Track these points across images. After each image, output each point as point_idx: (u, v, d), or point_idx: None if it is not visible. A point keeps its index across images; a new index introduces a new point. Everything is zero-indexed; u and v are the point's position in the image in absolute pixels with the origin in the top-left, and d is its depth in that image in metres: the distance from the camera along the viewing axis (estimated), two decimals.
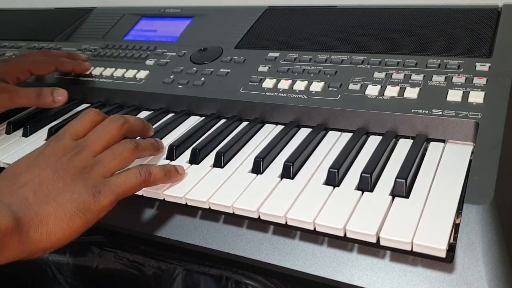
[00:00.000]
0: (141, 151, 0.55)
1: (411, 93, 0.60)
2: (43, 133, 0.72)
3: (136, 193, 0.52)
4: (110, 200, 0.48)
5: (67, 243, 0.46)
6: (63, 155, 0.50)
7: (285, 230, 0.49)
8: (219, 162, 0.57)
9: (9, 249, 0.43)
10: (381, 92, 0.61)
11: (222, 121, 0.69)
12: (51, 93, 0.73)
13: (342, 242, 0.46)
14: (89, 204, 0.47)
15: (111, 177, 0.49)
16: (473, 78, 0.60)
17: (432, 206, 0.45)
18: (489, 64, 0.61)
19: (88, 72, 0.82)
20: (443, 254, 0.41)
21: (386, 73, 0.64)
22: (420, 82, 0.61)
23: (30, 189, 0.47)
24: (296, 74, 0.69)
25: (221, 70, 0.73)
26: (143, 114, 0.75)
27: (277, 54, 0.73)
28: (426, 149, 0.56)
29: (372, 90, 0.62)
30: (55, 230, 0.45)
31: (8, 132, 0.74)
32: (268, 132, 0.65)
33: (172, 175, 0.53)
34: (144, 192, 0.54)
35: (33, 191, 0.46)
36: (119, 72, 0.80)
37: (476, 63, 0.62)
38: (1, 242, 0.42)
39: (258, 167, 0.55)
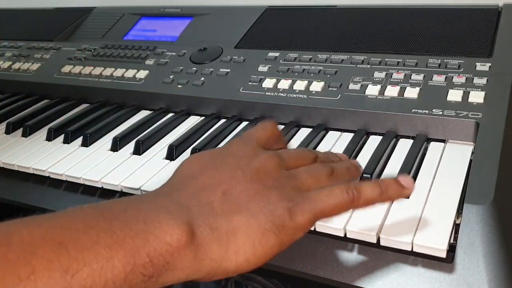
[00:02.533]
0: (337, 178, 0.43)
1: (411, 93, 0.60)
2: (43, 133, 0.72)
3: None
4: (308, 219, 0.37)
5: (253, 269, 0.36)
6: (254, 156, 0.41)
7: None
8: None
9: (182, 267, 0.33)
10: (381, 92, 0.61)
11: (222, 121, 0.69)
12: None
13: (342, 242, 0.46)
14: (284, 220, 0.36)
15: (310, 192, 0.39)
16: (473, 78, 0.60)
17: (432, 206, 0.45)
18: (489, 64, 0.61)
19: (88, 72, 0.82)
20: (443, 254, 0.41)
21: (386, 73, 0.64)
22: (420, 82, 0.61)
23: (216, 192, 0.37)
24: (296, 74, 0.68)
25: (221, 70, 0.73)
26: (143, 114, 0.75)
27: (277, 54, 0.73)
28: (426, 149, 0.56)
29: (372, 90, 0.62)
30: (245, 247, 0.35)
31: (8, 132, 0.74)
32: None
33: (391, 193, 0.40)
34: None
35: (221, 194, 0.37)
36: (119, 72, 0.80)
37: (476, 63, 0.62)
38: (171, 259, 0.32)
39: None
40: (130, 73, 0.79)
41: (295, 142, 0.60)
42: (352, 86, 0.63)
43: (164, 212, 0.34)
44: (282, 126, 0.65)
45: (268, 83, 0.68)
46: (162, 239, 0.32)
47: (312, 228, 0.46)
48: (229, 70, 0.73)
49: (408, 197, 0.45)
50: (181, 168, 0.41)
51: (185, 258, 0.33)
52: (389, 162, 0.54)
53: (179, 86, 0.73)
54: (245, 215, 0.36)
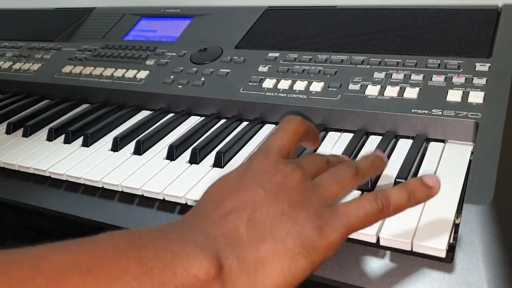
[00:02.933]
0: (363, 177, 0.42)
1: (411, 93, 0.60)
2: (43, 133, 0.72)
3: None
4: (340, 235, 0.36)
5: None
6: (276, 172, 0.39)
7: None
8: (219, 162, 0.57)
9: None
10: (381, 92, 0.61)
11: (222, 121, 0.69)
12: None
13: None
14: (315, 241, 0.35)
15: (338, 206, 0.38)
16: (473, 78, 0.60)
17: (432, 206, 0.45)
18: (489, 64, 0.61)
19: (88, 72, 0.82)
20: (443, 254, 0.41)
21: (386, 73, 0.64)
22: (420, 82, 0.61)
23: (241, 217, 0.36)
24: (296, 74, 0.69)
25: (221, 70, 0.74)
26: (144, 114, 0.75)
27: (277, 54, 0.73)
28: (426, 149, 0.56)
29: (372, 90, 0.62)
30: (273, 275, 0.34)
31: (8, 132, 0.74)
32: (268, 132, 0.65)
33: (420, 195, 0.39)
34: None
35: (246, 220, 0.36)
36: (119, 72, 0.80)
37: (476, 63, 0.62)
38: None
39: None
40: (130, 73, 0.79)
41: None
42: (352, 87, 0.64)
43: (191, 244, 0.34)
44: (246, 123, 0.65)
45: (268, 83, 0.68)
46: (190, 272, 0.32)
47: None
48: (229, 70, 0.73)
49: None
50: (208, 192, 0.40)
51: None
52: (389, 162, 0.54)
53: (180, 86, 0.73)
54: (271, 241, 0.35)
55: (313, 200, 0.38)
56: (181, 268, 0.32)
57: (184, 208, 0.53)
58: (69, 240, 0.33)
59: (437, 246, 0.41)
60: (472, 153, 0.53)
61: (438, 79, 0.61)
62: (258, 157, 0.41)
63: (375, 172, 0.46)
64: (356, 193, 0.49)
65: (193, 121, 0.71)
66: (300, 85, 0.66)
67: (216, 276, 0.32)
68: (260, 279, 0.34)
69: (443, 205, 0.45)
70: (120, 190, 0.57)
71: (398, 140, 0.58)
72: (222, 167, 0.57)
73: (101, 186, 0.58)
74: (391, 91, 0.61)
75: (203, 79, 0.73)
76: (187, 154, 0.61)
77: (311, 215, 0.36)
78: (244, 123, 0.68)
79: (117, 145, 0.65)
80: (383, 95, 0.61)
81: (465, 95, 0.58)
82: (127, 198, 0.57)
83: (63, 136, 0.70)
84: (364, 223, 0.38)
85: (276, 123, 0.66)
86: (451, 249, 0.42)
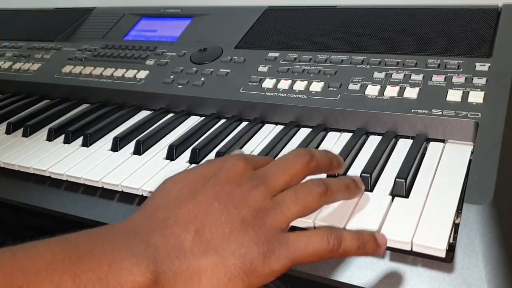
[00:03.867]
0: (331, 196, 0.42)
1: (411, 93, 0.60)
2: (43, 133, 0.72)
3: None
4: (283, 265, 0.36)
5: None
6: (238, 186, 0.39)
7: None
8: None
9: None
10: (381, 92, 0.61)
11: (222, 121, 0.69)
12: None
13: None
14: (256, 266, 0.35)
15: (289, 235, 0.38)
16: (473, 78, 0.60)
17: (432, 206, 0.45)
18: (489, 64, 0.61)
19: (88, 72, 0.82)
20: (442, 254, 0.41)
21: (386, 73, 0.64)
22: (420, 82, 0.61)
23: (189, 229, 0.36)
24: (296, 74, 0.69)
25: (221, 70, 0.74)
26: (143, 114, 0.75)
27: (277, 54, 0.73)
28: (426, 149, 0.56)
29: (372, 90, 0.62)
30: None
31: (8, 132, 0.74)
32: (268, 132, 0.65)
33: (368, 248, 0.40)
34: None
35: (193, 233, 0.36)
36: (119, 72, 0.80)
37: (476, 63, 0.62)
38: None
39: None
40: (130, 73, 0.79)
41: (295, 142, 0.60)
42: (351, 86, 0.63)
43: (129, 256, 0.34)
44: (280, 126, 0.65)
45: (268, 83, 0.68)
46: (123, 286, 0.32)
47: (312, 228, 0.46)
48: (229, 70, 0.73)
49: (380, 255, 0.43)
50: (161, 191, 0.40)
51: None
52: (388, 162, 0.54)
53: (179, 86, 0.73)
54: (213, 258, 0.35)
55: (266, 222, 0.37)
56: (114, 282, 0.32)
57: None
58: (3, 250, 0.33)
59: (437, 246, 0.41)
60: (472, 153, 0.53)
61: (438, 79, 0.61)
62: (227, 163, 0.41)
63: (348, 197, 0.45)
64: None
65: (193, 121, 0.71)
66: (300, 85, 0.66)
67: (151, 286, 0.33)
68: None
69: (443, 205, 0.45)
70: (120, 190, 0.57)
71: (398, 140, 0.58)
72: None
73: (101, 186, 0.58)
74: (391, 91, 0.61)
75: (203, 79, 0.73)
76: (187, 154, 0.61)
77: (260, 239, 0.36)
78: (244, 123, 0.68)
79: (117, 145, 0.65)
80: (383, 95, 0.61)
81: (465, 95, 0.57)
82: (127, 198, 0.57)
83: (63, 136, 0.70)
84: (310, 258, 0.38)
85: (276, 123, 0.66)
86: (451, 249, 0.42)
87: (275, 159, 0.44)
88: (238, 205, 0.38)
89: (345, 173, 0.53)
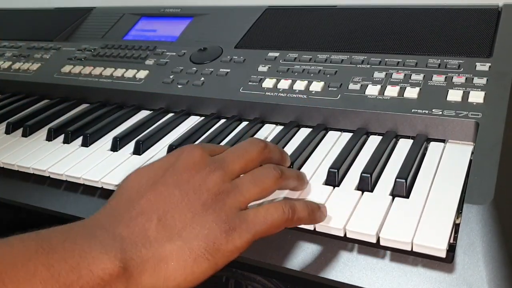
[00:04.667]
0: (285, 181, 0.45)
1: (411, 93, 0.60)
2: (43, 133, 0.72)
3: None
4: (246, 240, 0.39)
5: None
6: (196, 172, 0.41)
7: (285, 230, 0.49)
8: None
9: None
10: (381, 92, 0.61)
11: (222, 121, 0.69)
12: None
13: (342, 242, 0.46)
14: (220, 244, 0.37)
15: (248, 211, 0.40)
16: (473, 78, 0.60)
17: (432, 206, 0.45)
18: (489, 64, 0.61)
19: (88, 72, 0.82)
20: (443, 254, 0.41)
21: (386, 73, 0.64)
22: (420, 82, 0.61)
23: (152, 218, 0.38)
24: (296, 74, 0.68)
25: (221, 70, 0.73)
26: (143, 114, 0.75)
27: (277, 54, 0.73)
28: (426, 149, 0.56)
29: (372, 90, 0.62)
30: (176, 275, 0.36)
31: (8, 132, 0.74)
32: (268, 132, 0.65)
33: (316, 215, 0.44)
34: None
35: (156, 221, 0.38)
36: (118, 72, 0.80)
37: (476, 63, 0.62)
38: None
39: None
40: (130, 73, 0.79)
41: (295, 142, 0.60)
42: (352, 86, 0.63)
43: (98, 246, 0.35)
44: (280, 126, 0.65)
45: (268, 83, 0.68)
46: (95, 273, 0.34)
47: (312, 228, 0.46)
48: (229, 70, 0.73)
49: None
50: (124, 186, 0.41)
51: None
52: (389, 162, 0.54)
53: (179, 86, 0.73)
54: (177, 243, 0.37)
55: (226, 203, 0.40)
56: (86, 270, 0.34)
57: None
58: None
59: (438, 246, 0.40)
60: (472, 153, 0.53)
61: (438, 79, 0.61)
62: (184, 153, 0.43)
63: (298, 185, 0.49)
64: (355, 193, 0.49)
65: (192, 121, 0.71)
66: (300, 85, 0.66)
67: (120, 276, 0.34)
68: (162, 277, 0.36)
69: (444, 205, 0.45)
70: None
71: (398, 140, 0.58)
72: None
73: (100, 186, 0.58)
74: (391, 91, 0.61)
75: (202, 79, 0.73)
76: None
77: (221, 219, 0.38)
78: (244, 123, 0.67)
79: (116, 145, 0.65)
80: (383, 95, 0.61)
81: (465, 95, 0.57)
82: None
83: (62, 136, 0.69)
84: (269, 230, 0.40)
85: (276, 123, 0.66)
86: (451, 249, 0.42)
87: (232, 146, 0.46)
88: (197, 190, 0.40)
89: (345, 173, 0.53)
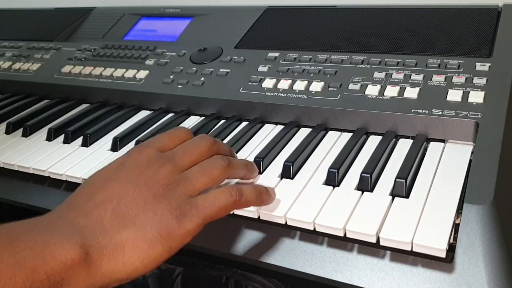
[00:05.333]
0: (234, 169, 0.48)
1: (411, 93, 0.60)
2: (43, 133, 0.72)
3: None
4: (196, 224, 0.41)
5: (145, 273, 0.40)
6: (146, 167, 0.44)
7: (285, 230, 0.49)
8: None
9: (75, 283, 0.37)
10: (381, 92, 0.61)
11: (222, 121, 0.69)
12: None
13: (342, 242, 0.46)
14: (173, 229, 0.40)
15: (197, 197, 0.43)
16: (473, 78, 0.60)
17: (432, 206, 0.45)
18: (489, 64, 0.61)
19: (88, 72, 0.82)
20: (443, 254, 0.41)
21: (386, 73, 0.64)
22: (420, 82, 0.61)
23: (107, 208, 0.41)
24: (296, 74, 0.68)
25: (221, 70, 0.73)
26: (143, 114, 0.75)
27: (277, 54, 0.73)
28: (426, 149, 0.56)
29: (372, 90, 0.62)
30: (132, 259, 0.39)
31: (8, 132, 0.74)
32: (268, 132, 0.65)
33: (264, 197, 0.47)
34: None
35: (111, 212, 0.41)
36: (119, 72, 0.80)
37: (476, 63, 0.62)
38: (66, 276, 0.36)
39: (258, 167, 0.55)
40: (130, 73, 0.79)
41: (295, 142, 0.60)
42: (352, 86, 0.63)
43: (59, 235, 0.38)
44: (280, 126, 0.65)
45: (268, 83, 0.68)
46: (58, 259, 0.36)
47: (312, 228, 0.46)
48: (229, 70, 0.73)
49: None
50: (82, 185, 0.45)
51: (78, 275, 0.37)
52: (389, 162, 0.54)
53: (179, 86, 0.73)
54: (132, 229, 0.40)
55: (176, 192, 0.43)
56: (50, 256, 0.36)
57: None
58: None
59: (437, 246, 0.40)
60: (472, 153, 0.53)
61: (438, 79, 0.61)
62: (134, 151, 0.46)
63: (246, 173, 0.51)
64: (355, 193, 0.49)
65: (192, 121, 0.71)
66: (300, 85, 0.66)
67: (81, 261, 0.37)
68: (120, 262, 0.39)
69: (443, 205, 0.45)
70: None
71: (398, 140, 0.58)
72: None
73: None
74: (391, 91, 0.61)
75: (202, 79, 0.73)
76: None
77: (172, 206, 0.41)
78: (244, 123, 0.67)
79: (116, 145, 0.65)
80: (383, 95, 0.61)
81: (465, 95, 0.57)
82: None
83: (62, 136, 0.69)
84: (218, 213, 0.43)
85: (276, 123, 0.66)
86: (451, 249, 0.42)
87: (183, 143, 0.49)
88: (148, 182, 0.43)
89: (345, 173, 0.53)
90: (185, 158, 0.46)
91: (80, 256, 0.37)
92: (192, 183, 0.44)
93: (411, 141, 0.57)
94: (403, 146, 0.56)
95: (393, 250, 0.44)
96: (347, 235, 0.44)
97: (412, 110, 0.58)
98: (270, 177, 0.54)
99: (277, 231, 0.49)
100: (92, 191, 0.43)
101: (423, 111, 0.57)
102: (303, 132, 0.63)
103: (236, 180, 0.52)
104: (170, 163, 0.45)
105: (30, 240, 0.37)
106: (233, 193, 0.44)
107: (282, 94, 0.66)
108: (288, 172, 0.53)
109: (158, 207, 0.41)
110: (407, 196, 0.47)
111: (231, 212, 0.49)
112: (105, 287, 0.39)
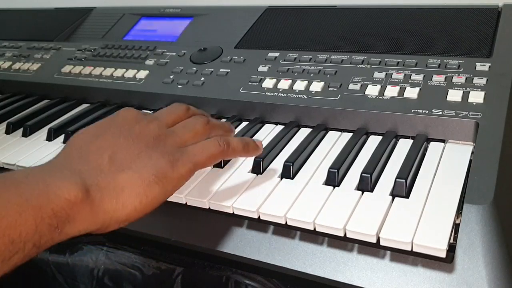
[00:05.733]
0: (213, 127, 0.52)
1: (411, 93, 0.60)
2: (43, 133, 0.72)
3: None
4: (188, 169, 0.45)
5: (143, 215, 0.42)
6: (136, 123, 0.47)
7: (285, 230, 0.49)
8: (219, 163, 0.57)
9: (80, 219, 0.39)
10: (381, 92, 0.61)
11: (222, 121, 0.69)
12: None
13: (342, 242, 0.46)
14: (167, 172, 0.43)
15: (188, 147, 0.47)
16: (473, 78, 0.60)
17: (432, 206, 0.45)
18: (489, 64, 0.61)
19: (88, 72, 0.82)
20: (443, 254, 0.41)
21: (386, 73, 0.64)
22: (420, 82, 0.61)
23: (104, 156, 0.43)
24: (296, 74, 0.68)
25: (221, 70, 0.73)
26: None
27: (277, 54, 0.73)
28: (426, 149, 0.56)
29: (372, 90, 0.62)
30: (132, 199, 0.41)
31: (8, 132, 0.74)
32: (268, 132, 0.65)
33: (251, 148, 0.51)
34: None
35: (108, 159, 0.43)
36: (119, 72, 0.80)
37: (476, 63, 0.62)
38: (71, 212, 0.38)
39: (258, 167, 0.55)
40: (130, 73, 0.79)
41: (295, 142, 0.60)
42: (352, 86, 0.63)
43: (60, 176, 0.40)
44: (280, 126, 0.65)
45: (268, 83, 0.68)
46: (62, 197, 0.38)
47: (312, 228, 0.46)
48: (229, 70, 0.73)
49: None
50: (71, 140, 0.47)
51: (82, 211, 0.39)
52: (389, 162, 0.54)
53: (179, 86, 0.73)
54: (129, 172, 0.42)
55: (167, 142, 0.46)
56: (54, 194, 0.38)
57: (182, 206, 0.53)
58: None
59: (438, 246, 0.40)
60: (472, 153, 0.53)
61: (438, 79, 0.61)
62: (121, 112, 0.49)
63: (224, 131, 0.55)
64: (355, 193, 0.49)
65: None
66: (300, 85, 0.66)
67: (84, 198, 0.39)
68: (120, 202, 0.41)
69: (444, 205, 0.45)
70: None
71: (398, 140, 0.58)
72: (222, 167, 0.57)
73: None
74: (391, 91, 0.61)
75: (203, 79, 0.73)
76: None
77: (164, 153, 0.45)
78: (244, 123, 0.67)
79: None
80: (383, 95, 0.61)
81: (465, 95, 0.57)
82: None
83: (62, 136, 0.69)
84: (208, 160, 0.47)
85: (276, 123, 0.66)
86: (451, 249, 0.42)
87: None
88: (139, 135, 0.46)
89: (345, 173, 0.53)
90: (168, 118, 0.50)
91: (82, 194, 0.39)
92: (179, 136, 0.48)
93: (411, 141, 0.57)
94: (403, 146, 0.56)
95: (393, 250, 0.44)
96: (347, 235, 0.44)
97: (412, 110, 0.58)
98: (270, 177, 0.54)
99: (278, 231, 0.49)
100: (85, 144, 0.45)
101: (423, 111, 0.57)
102: (303, 132, 0.63)
103: None
104: (156, 120, 0.49)
105: (32, 182, 0.38)
106: (221, 142, 0.48)
107: (282, 94, 0.66)
108: (288, 172, 0.53)
109: (152, 153, 0.44)
110: (407, 196, 0.47)
111: (231, 212, 0.49)
112: (106, 227, 0.41)
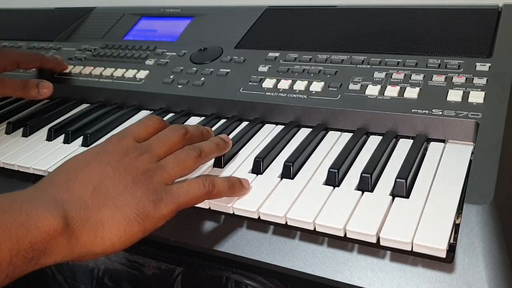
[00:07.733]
0: (205, 157, 0.52)
1: (411, 93, 0.60)
2: (43, 133, 0.72)
3: None
4: (171, 210, 0.45)
5: (120, 250, 0.43)
6: (125, 155, 0.47)
7: (285, 230, 0.49)
8: (219, 163, 0.57)
9: (57, 252, 0.40)
10: (381, 92, 0.61)
11: (222, 121, 0.69)
12: (36, 85, 0.75)
13: (342, 242, 0.46)
14: (149, 211, 0.43)
15: (173, 185, 0.47)
16: (473, 78, 0.60)
17: (432, 206, 0.45)
18: (489, 64, 0.61)
19: (88, 72, 0.82)
20: (443, 254, 0.41)
21: (386, 73, 0.64)
22: (420, 82, 0.61)
23: (89, 186, 0.43)
24: (296, 74, 0.68)
25: (221, 70, 0.73)
26: (143, 114, 0.75)
27: (277, 54, 0.73)
28: (426, 149, 0.56)
29: (372, 90, 0.62)
30: (110, 235, 0.42)
31: (8, 132, 0.74)
32: (268, 132, 0.65)
33: (237, 188, 0.50)
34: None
35: (92, 189, 0.43)
36: (119, 72, 0.80)
37: (476, 63, 0.62)
38: (48, 245, 0.39)
39: (258, 167, 0.55)
40: (130, 73, 0.79)
41: (295, 142, 0.60)
42: (352, 86, 0.63)
43: (42, 207, 0.40)
44: (280, 126, 0.65)
45: (268, 83, 0.68)
46: (41, 229, 0.39)
47: (312, 228, 0.46)
48: (229, 70, 0.73)
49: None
50: (61, 166, 0.47)
51: (60, 244, 0.40)
52: (389, 162, 0.54)
53: (179, 86, 0.73)
54: (112, 208, 0.43)
55: (153, 179, 0.46)
56: (33, 226, 0.39)
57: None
58: None
59: (438, 246, 0.40)
60: (472, 153, 0.53)
61: (438, 79, 0.61)
62: (112, 139, 0.49)
63: (219, 153, 0.55)
64: (355, 193, 0.49)
65: (193, 121, 0.71)
66: (300, 85, 0.66)
67: (63, 231, 0.40)
68: (99, 236, 0.42)
69: (444, 205, 0.45)
70: None
71: (398, 140, 0.58)
72: (222, 168, 0.57)
73: None
74: (392, 91, 0.61)
75: (203, 79, 0.73)
76: None
77: (149, 191, 0.44)
78: (244, 123, 0.67)
79: None
80: (383, 95, 0.61)
81: (465, 95, 0.57)
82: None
83: (62, 136, 0.69)
84: (191, 201, 0.47)
85: (276, 123, 0.66)
86: (452, 249, 0.42)
87: (157, 134, 0.52)
88: (127, 168, 0.46)
89: (345, 173, 0.53)
90: (161, 148, 0.49)
91: (62, 226, 0.40)
92: (167, 172, 0.47)
93: (411, 141, 0.57)
94: (403, 146, 0.56)
95: (393, 250, 0.44)
96: (347, 235, 0.44)
97: (412, 110, 0.58)
98: (270, 177, 0.54)
99: (278, 231, 0.49)
100: (72, 171, 0.45)
101: (423, 111, 0.57)
102: (303, 132, 0.63)
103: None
104: (147, 153, 0.48)
105: (15, 211, 0.39)
106: (206, 184, 0.47)
107: (282, 94, 0.66)
108: (288, 172, 0.53)
109: (136, 190, 0.44)
110: (407, 196, 0.47)
111: (231, 212, 0.49)
112: (82, 257, 0.42)
